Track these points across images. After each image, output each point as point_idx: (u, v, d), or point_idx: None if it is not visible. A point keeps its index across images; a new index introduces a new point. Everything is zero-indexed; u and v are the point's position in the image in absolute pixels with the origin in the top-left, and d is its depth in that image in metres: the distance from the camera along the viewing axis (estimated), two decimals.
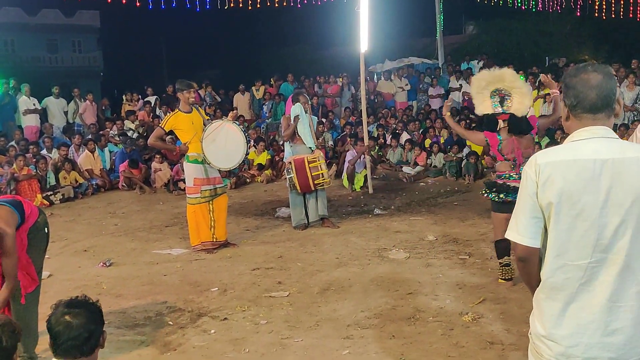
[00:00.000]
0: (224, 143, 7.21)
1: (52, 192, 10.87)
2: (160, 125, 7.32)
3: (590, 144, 2.19)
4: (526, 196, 2.24)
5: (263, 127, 15.36)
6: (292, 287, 5.86)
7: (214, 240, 7.28)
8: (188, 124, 7.14)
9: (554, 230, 2.18)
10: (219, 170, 7.43)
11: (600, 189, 2.12)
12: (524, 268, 2.34)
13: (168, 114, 7.29)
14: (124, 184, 12.04)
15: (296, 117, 7.95)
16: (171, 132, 7.53)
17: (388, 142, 13.67)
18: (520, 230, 2.25)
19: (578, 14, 19.52)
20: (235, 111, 8.30)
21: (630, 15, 17.76)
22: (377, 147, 13.32)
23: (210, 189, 7.25)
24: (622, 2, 17.81)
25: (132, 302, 5.63)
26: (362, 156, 11.08)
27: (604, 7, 17.93)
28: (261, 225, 8.70)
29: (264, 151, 13.11)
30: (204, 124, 7.24)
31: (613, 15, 18.04)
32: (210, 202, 7.24)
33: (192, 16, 17.16)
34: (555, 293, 2.22)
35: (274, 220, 8.95)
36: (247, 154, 7.56)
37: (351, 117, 15.38)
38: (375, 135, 13.81)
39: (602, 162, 2.13)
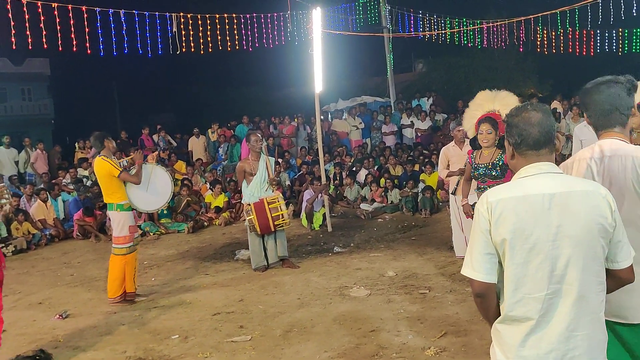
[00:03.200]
0: (147, 186, 7.22)
1: (3, 245, 10.55)
2: (121, 170, 7.00)
3: (538, 179, 2.30)
4: (479, 233, 2.31)
5: (219, 170, 15.34)
6: (254, 330, 5.81)
7: (135, 289, 7.21)
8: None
9: (510, 265, 2.26)
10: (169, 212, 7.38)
11: (551, 222, 2.22)
12: (481, 303, 2.39)
13: (111, 160, 7.05)
14: (79, 233, 11.79)
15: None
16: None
17: (345, 180, 13.81)
18: (475, 266, 2.32)
19: (521, 49, 20.28)
20: (155, 152, 8.23)
21: (570, 51, 18.55)
22: (333, 186, 13.44)
23: (137, 236, 7.29)
24: (561, 37, 18.59)
25: (90, 353, 5.48)
26: (320, 195, 11.16)
27: (545, 43, 18.69)
28: (220, 268, 8.62)
29: (221, 194, 13.06)
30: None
31: (554, 51, 18.80)
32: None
33: (144, 61, 17.14)
34: (516, 325, 2.28)
35: (233, 263, 8.88)
36: (173, 193, 7.57)
37: (307, 157, 15.52)
38: (332, 174, 13.95)
39: (551, 196, 2.24)
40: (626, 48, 19.16)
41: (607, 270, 2.33)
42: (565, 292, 2.23)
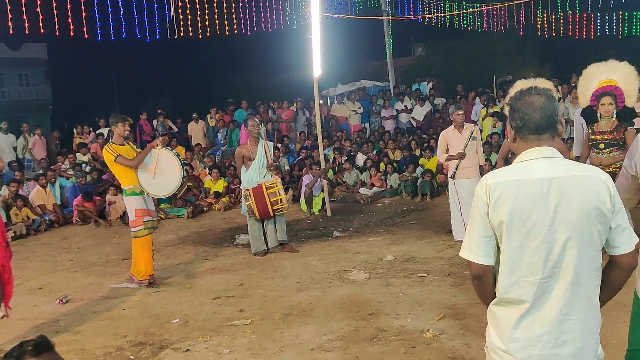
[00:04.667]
0: (159, 170, 7.16)
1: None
2: (116, 156, 6.96)
3: (538, 163, 2.29)
4: (477, 216, 2.32)
5: (218, 155, 15.32)
6: (254, 314, 5.84)
7: (153, 272, 7.27)
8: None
9: (507, 248, 2.26)
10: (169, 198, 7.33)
11: (549, 206, 2.21)
12: (479, 286, 2.41)
13: (111, 147, 7.06)
14: (78, 219, 11.81)
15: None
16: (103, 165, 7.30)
17: (344, 164, 13.81)
18: (473, 249, 2.33)
19: (521, 33, 20.18)
20: (162, 137, 8.19)
21: (570, 34, 18.46)
22: (333, 170, 13.44)
23: (151, 220, 7.22)
24: (561, 20, 18.49)
25: (91, 338, 5.51)
26: (319, 179, 11.16)
27: (545, 26, 18.60)
28: (220, 253, 8.65)
29: (220, 178, 13.06)
30: None
31: (554, 34, 18.71)
32: (152, 234, 7.24)
33: (143, 46, 17.06)
34: (510, 307, 2.30)
35: (233, 248, 8.91)
36: (184, 177, 7.47)
37: (306, 141, 15.50)
38: (332, 158, 13.95)
39: (549, 180, 2.23)
40: (626, 31, 19.06)
41: (610, 258, 2.33)
42: (560, 277, 2.23)
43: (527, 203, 2.22)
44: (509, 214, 2.23)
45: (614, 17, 18.79)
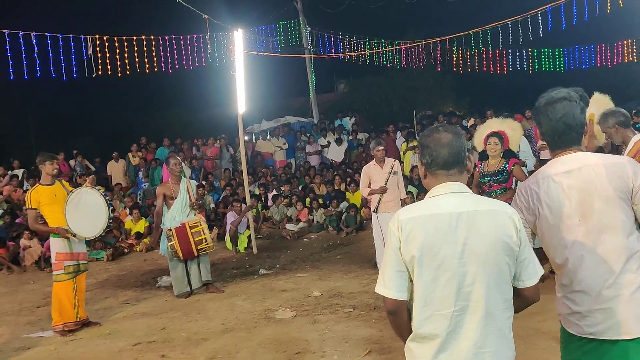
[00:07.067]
0: (85, 211, 6.93)
1: None
2: (29, 207, 6.86)
3: (447, 198, 2.34)
4: (391, 251, 2.33)
5: (140, 194, 14.94)
6: (177, 359, 5.64)
7: (77, 320, 6.91)
8: (51, 197, 6.85)
9: (419, 282, 2.28)
10: (88, 240, 7.12)
11: (458, 240, 2.26)
12: (394, 321, 2.40)
13: (31, 191, 6.90)
14: None
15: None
16: None
17: (269, 200, 13.76)
18: (387, 284, 2.33)
19: (439, 69, 20.93)
20: (91, 176, 8.02)
21: (484, 69, 19.32)
22: (260, 206, 13.36)
23: (73, 265, 6.90)
24: (476, 57, 19.33)
25: None
26: (245, 216, 11.05)
27: (461, 62, 19.38)
28: (142, 296, 8.37)
29: (141, 219, 12.71)
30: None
31: (469, 70, 19.52)
32: (74, 279, 6.89)
33: (60, 85, 16.54)
34: (425, 343, 2.30)
35: (155, 290, 8.65)
36: (110, 218, 7.21)
37: (231, 180, 15.36)
38: (257, 194, 13.87)
39: (458, 215, 2.28)
40: (536, 67, 20.18)
41: (515, 289, 2.37)
42: (472, 309, 2.26)
43: (437, 237, 2.26)
44: (420, 248, 2.26)
45: (524, 54, 19.84)
